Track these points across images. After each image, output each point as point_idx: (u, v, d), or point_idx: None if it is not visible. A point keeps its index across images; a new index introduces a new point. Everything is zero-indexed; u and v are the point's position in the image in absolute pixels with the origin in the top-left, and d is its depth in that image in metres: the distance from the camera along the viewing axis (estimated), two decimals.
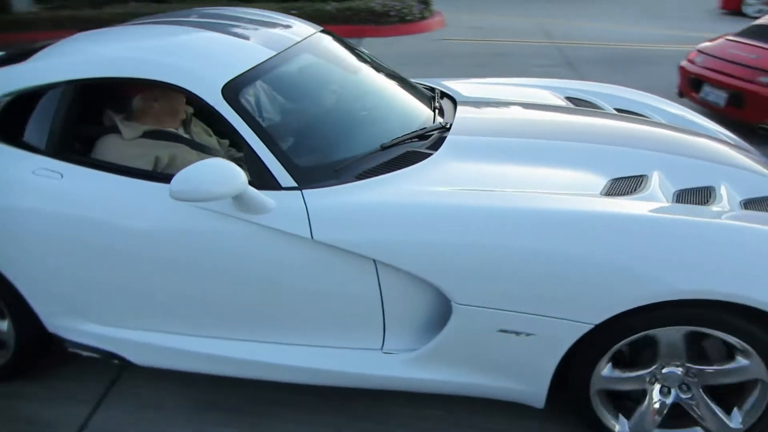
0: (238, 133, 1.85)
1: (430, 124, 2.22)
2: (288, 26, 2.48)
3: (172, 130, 2.16)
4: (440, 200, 1.79)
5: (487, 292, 1.71)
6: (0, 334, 2.16)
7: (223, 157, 2.00)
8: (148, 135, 2.08)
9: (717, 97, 4.83)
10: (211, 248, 1.83)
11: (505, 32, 9.43)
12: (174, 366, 2.06)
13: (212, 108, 1.86)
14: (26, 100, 2.00)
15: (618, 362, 1.78)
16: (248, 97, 2.01)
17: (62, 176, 1.92)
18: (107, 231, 1.88)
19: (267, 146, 1.83)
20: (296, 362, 1.93)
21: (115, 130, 2.06)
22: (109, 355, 2.08)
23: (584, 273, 1.64)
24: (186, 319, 1.99)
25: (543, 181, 1.92)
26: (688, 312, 1.65)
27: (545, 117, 2.55)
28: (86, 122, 2.08)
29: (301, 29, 2.46)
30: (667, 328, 1.68)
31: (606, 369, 1.77)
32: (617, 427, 1.85)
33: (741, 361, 1.72)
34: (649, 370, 1.78)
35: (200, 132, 2.37)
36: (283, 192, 1.79)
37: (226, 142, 2.45)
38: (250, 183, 1.74)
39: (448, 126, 2.20)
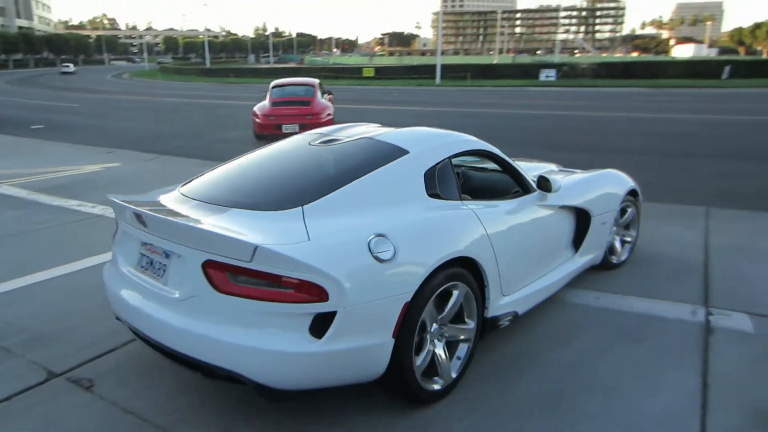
0: (513, 169, 3.54)
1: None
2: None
3: None
4: (580, 175, 4.32)
5: (601, 206, 4.14)
6: (467, 333, 2.89)
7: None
8: None
9: (293, 128, 11.30)
10: (545, 224, 3.59)
11: None
12: (534, 304, 3.46)
13: (501, 158, 3.49)
14: (436, 170, 2.97)
15: None
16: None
17: (498, 206, 3.23)
18: (524, 230, 3.33)
19: (523, 174, 3.57)
20: (562, 275, 3.76)
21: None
22: (513, 316, 3.20)
23: (612, 190, 4.39)
24: (532, 272, 3.46)
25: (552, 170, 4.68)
26: None
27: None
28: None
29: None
30: None
31: None
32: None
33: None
34: None
35: None
36: (537, 193, 3.57)
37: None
38: (522, 191, 3.54)
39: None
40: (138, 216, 2.56)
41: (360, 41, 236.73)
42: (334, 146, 3.21)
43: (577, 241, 4.01)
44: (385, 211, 2.61)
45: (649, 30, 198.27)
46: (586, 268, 4.19)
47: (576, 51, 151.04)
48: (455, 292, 2.71)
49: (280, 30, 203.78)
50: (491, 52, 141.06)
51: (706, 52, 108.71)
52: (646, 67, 46.31)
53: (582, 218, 3.99)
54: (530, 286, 3.40)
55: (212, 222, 2.46)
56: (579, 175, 4.30)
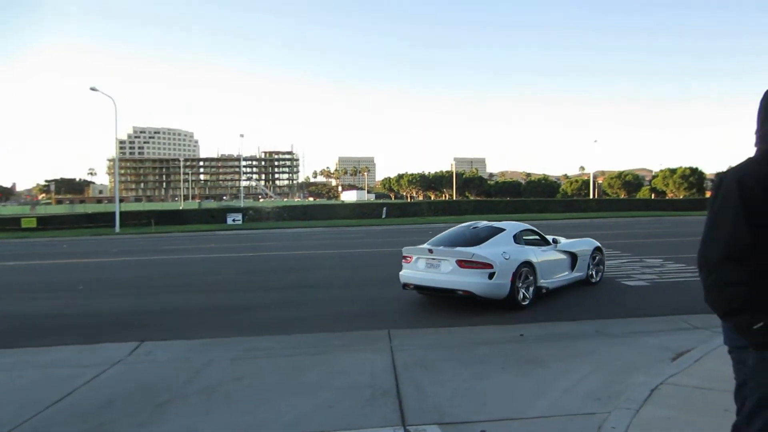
0: (543, 236, 9.82)
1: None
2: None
3: None
4: (572, 240, 10.86)
5: (582, 252, 10.40)
6: (532, 289, 8.72)
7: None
8: None
9: None
10: (556, 256, 9.65)
11: None
12: (554, 287, 9.46)
13: (538, 231, 9.94)
14: (516, 234, 9.32)
15: None
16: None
17: (540, 247, 9.42)
18: (548, 256, 9.39)
19: (547, 238, 9.84)
20: (567, 279, 9.94)
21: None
22: (546, 288, 9.12)
23: (586, 246, 10.59)
24: (552, 274, 9.36)
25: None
26: None
27: None
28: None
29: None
30: None
31: None
32: None
33: None
34: None
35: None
36: (553, 245, 9.71)
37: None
38: (546, 244, 9.67)
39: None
40: (430, 250, 8.60)
41: (19, 188, 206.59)
42: (479, 228, 9.35)
43: (572, 267, 9.94)
44: (503, 246, 8.62)
45: (321, 178, 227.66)
46: (577, 280, 10.05)
47: (260, 196, 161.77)
48: (530, 275, 8.59)
49: None
50: (176, 199, 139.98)
51: (367, 197, 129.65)
52: (321, 209, 52.25)
53: (573, 257, 9.97)
54: (552, 279, 9.20)
55: (458, 250, 8.49)
56: (571, 240, 10.59)
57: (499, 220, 10.48)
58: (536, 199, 74.80)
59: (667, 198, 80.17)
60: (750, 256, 2.05)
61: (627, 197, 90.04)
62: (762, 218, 2.04)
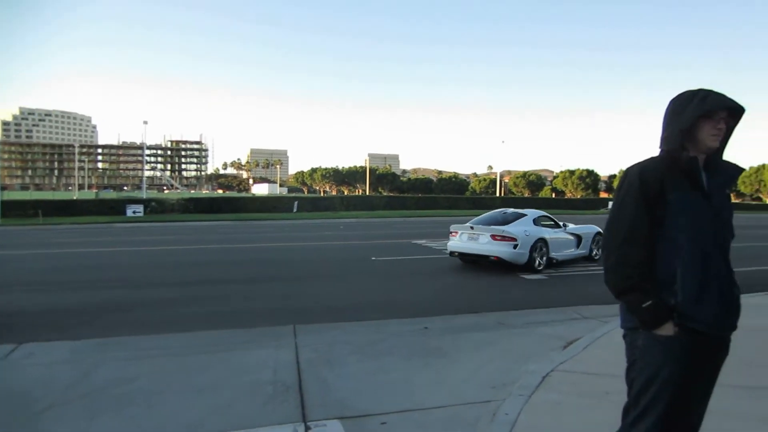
0: (555, 220, 13.44)
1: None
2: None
3: None
4: (579, 225, 14.94)
5: (585, 234, 14.00)
6: (545, 258, 12.20)
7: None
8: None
9: None
10: (564, 236, 13.18)
11: None
12: (562, 259, 12.94)
13: (551, 216, 13.68)
14: (535, 219, 12.90)
15: None
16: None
17: (553, 229, 12.94)
18: (558, 236, 12.88)
19: (558, 222, 13.58)
20: (573, 254, 13.50)
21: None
22: (555, 259, 12.58)
23: (589, 230, 14.05)
24: (561, 249, 12.85)
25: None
26: None
27: None
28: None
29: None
30: None
31: None
32: None
33: None
34: None
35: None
36: (563, 228, 13.32)
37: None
38: (558, 227, 13.26)
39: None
40: (472, 228, 12.45)
41: None
42: (507, 213, 13.21)
43: (578, 245, 13.26)
44: (525, 226, 12.18)
45: (231, 170, 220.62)
46: (581, 256, 13.38)
47: (164, 187, 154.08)
48: (543, 248, 12.07)
49: None
50: (70, 188, 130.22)
51: (279, 191, 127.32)
52: (230, 202, 50.60)
53: (579, 238, 13.29)
54: (560, 253, 12.63)
55: (492, 227, 12.21)
56: (578, 225, 14.17)
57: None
58: (446, 196, 77.14)
59: (566, 197, 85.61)
60: (646, 241, 2.25)
61: (531, 196, 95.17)
62: (656, 210, 2.25)
